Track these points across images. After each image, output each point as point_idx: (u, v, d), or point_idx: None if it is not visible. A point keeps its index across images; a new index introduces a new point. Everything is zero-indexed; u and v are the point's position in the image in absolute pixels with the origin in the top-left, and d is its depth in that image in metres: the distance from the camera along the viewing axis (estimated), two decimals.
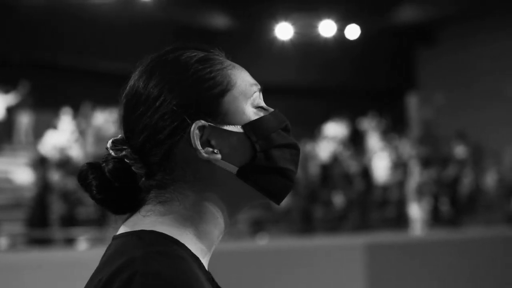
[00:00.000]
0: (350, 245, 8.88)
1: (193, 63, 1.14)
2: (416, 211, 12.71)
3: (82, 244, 9.66)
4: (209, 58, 1.16)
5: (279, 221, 12.64)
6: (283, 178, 1.15)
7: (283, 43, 10.74)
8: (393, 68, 19.74)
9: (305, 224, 12.55)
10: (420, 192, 12.76)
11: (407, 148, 15.12)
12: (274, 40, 10.79)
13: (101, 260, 1.10)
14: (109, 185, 1.12)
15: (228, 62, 1.18)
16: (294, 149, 1.17)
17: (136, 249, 1.02)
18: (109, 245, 1.12)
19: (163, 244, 1.05)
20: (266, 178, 1.13)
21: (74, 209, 10.67)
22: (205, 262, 1.11)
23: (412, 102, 19.91)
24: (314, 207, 12.98)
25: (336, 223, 12.84)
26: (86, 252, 8.02)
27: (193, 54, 1.15)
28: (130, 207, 1.14)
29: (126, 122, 1.15)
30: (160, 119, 1.10)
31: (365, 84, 19.41)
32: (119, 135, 1.16)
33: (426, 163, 14.24)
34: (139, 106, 1.12)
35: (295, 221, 12.67)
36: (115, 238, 1.12)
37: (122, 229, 1.13)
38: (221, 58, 1.17)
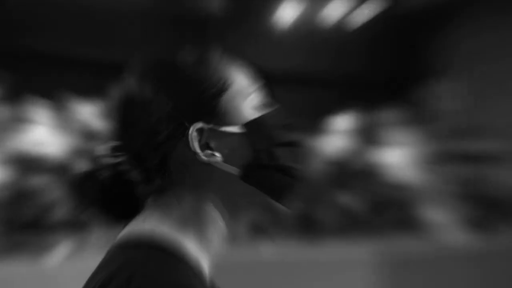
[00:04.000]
0: (363, 257, 8.85)
1: (188, 64, 1.18)
2: (440, 215, 12.68)
3: (59, 250, 9.66)
4: (204, 58, 1.20)
5: (281, 225, 12.62)
6: (286, 177, 1.20)
7: (285, 27, 10.70)
8: (411, 55, 19.68)
9: (310, 228, 12.54)
10: (446, 193, 12.72)
11: (430, 143, 15.11)
12: (274, 24, 10.75)
13: (98, 265, 1.15)
14: (105, 193, 1.18)
15: (224, 59, 1.22)
16: (296, 146, 1.21)
17: (134, 253, 1.09)
18: (108, 251, 1.17)
19: (161, 248, 1.10)
20: (268, 178, 1.18)
21: (48, 211, 10.67)
22: (205, 264, 1.16)
23: (434, 93, 19.91)
24: (321, 209, 12.96)
25: (347, 227, 12.82)
26: (63, 259, 8.03)
27: (188, 55, 1.20)
28: (127, 215, 1.19)
29: (121, 128, 1.19)
30: (157, 123, 1.14)
31: (380, 73, 19.35)
32: (114, 142, 1.20)
33: (451, 159, 14.23)
34: (135, 111, 1.16)
35: (298, 224, 12.65)
36: (114, 243, 1.17)
37: (120, 235, 1.18)
38: (216, 56, 1.21)
